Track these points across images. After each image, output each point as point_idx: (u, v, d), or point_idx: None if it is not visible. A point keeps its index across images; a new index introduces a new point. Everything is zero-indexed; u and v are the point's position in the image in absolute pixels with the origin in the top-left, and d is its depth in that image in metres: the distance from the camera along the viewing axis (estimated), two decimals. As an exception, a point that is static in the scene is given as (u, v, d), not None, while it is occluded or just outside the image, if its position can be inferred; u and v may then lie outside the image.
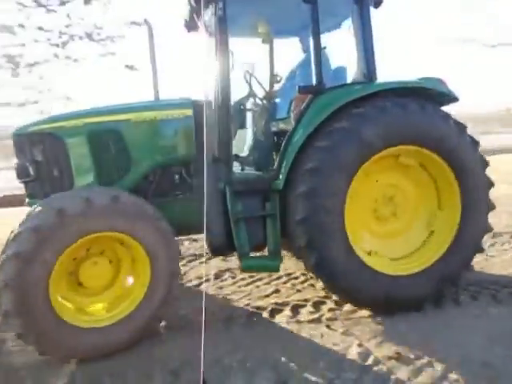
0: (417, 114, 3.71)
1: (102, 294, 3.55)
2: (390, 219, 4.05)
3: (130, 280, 3.54)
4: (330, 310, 3.98)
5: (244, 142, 4.67)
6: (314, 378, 2.89)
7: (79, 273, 3.40)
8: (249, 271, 4.50)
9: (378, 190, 4.01)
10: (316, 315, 3.88)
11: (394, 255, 4.04)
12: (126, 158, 3.99)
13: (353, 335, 3.47)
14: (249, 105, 4.65)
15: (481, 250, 4.05)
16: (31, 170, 3.96)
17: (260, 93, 4.62)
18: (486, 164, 3.96)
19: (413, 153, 3.83)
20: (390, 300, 3.74)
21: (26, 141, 3.99)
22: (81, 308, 3.47)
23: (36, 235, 3.04)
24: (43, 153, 3.95)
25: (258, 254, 4.16)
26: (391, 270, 3.86)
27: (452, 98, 4.13)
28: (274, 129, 4.54)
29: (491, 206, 4.02)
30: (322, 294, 4.29)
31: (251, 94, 4.56)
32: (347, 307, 3.97)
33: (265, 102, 4.61)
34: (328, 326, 3.65)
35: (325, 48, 4.39)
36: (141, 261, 3.44)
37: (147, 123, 4.00)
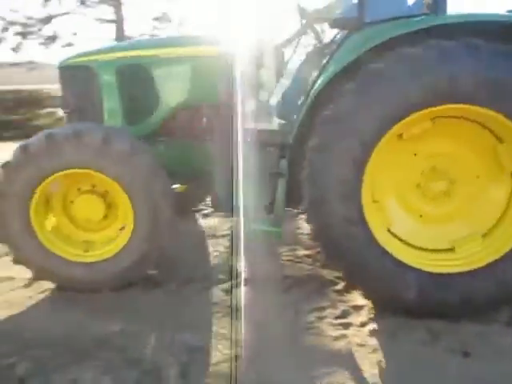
0: (496, 64, 2.67)
1: (94, 231, 3.64)
2: (439, 198, 3.12)
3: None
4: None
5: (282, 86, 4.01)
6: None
7: (73, 207, 3.54)
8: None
9: (423, 160, 3.09)
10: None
11: (437, 245, 3.12)
12: (153, 96, 3.87)
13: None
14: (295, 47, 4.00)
15: None
16: (71, 102, 4.09)
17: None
18: None
19: (476, 114, 2.85)
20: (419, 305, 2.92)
21: (67, 73, 4.11)
22: (73, 241, 3.59)
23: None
24: (80, 85, 4.04)
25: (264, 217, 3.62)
26: (427, 264, 3.00)
27: None
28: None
29: None
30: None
31: (301, 33, 3.89)
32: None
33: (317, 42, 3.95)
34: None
35: None
36: (122, 198, 3.38)
37: (174, 60, 3.83)
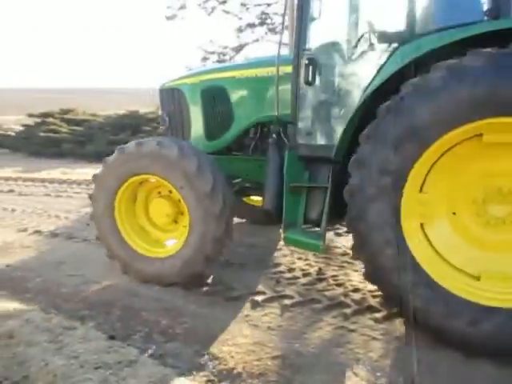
0: None
1: (165, 230, 4.14)
2: (501, 224, 2.83)
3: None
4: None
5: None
6: None
7: (149, 209, 4.10)
8: (289, 244, 3.94)
9: (480, 182, 2.83)
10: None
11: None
12: (229, 114, 4.38)
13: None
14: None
15: None
16: (167, 119, 4.79)
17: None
18: None
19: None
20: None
21: (164, 95, 4.86)
22: (151, 239, 4.14)
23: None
24: (173, 105, 4.75)
25: (308, 228, 3.71)
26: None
27: None
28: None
29: None
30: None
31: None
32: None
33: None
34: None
35: None
36: (180, 202, 3.81)
37: (248, 80, 4.23)
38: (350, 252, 3.32)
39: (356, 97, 3.33)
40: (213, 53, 17.72)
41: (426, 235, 2.94)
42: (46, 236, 5.68)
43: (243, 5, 16.85)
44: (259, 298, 3.69)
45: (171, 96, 4.76)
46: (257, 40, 17.50)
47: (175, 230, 4.08)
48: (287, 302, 3.63)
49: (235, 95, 4.33)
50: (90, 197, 4.13)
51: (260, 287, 3.91)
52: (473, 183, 2.86)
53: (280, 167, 3.72)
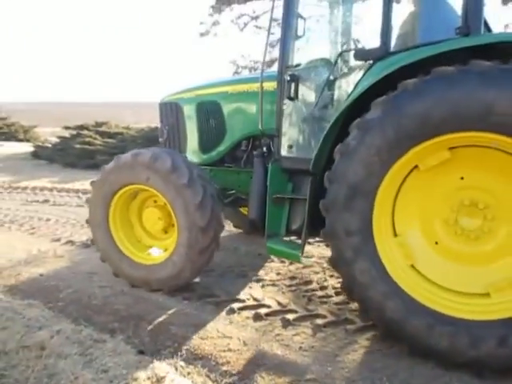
0: (480, 87, 2.47)
1: (157, 238, 4.31)
2: (475, 236, 2.88)
3: None
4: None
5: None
6: None
7: (142, 217, 4.24)
8: (271, 254, 3.99)
9: (444, 204, 2.93)
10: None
11: (471, 289, 2.88)
12: (221, 127, 4.52)
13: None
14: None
15: None
16: (164, 132, 4.96)
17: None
18: None
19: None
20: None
21: (163, 108, 5.04)
22: (142, 246, 4.31)
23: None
24: (171, 118, 4.93)
25: (290, 238, 3.87)
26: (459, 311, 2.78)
27: None
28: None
29: None
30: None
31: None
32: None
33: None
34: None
35: None
36: (169, 211, 3.89)
37: (239, 95, 4.36)
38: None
39: (334, 111, 3.44)
40: (245, 67, 17.90)
41: (419, 273, 2.99)
42: (78, 246, 5.76)
43: (275, 20, 16.97)
44: (291, 316, 3.59)
45: (169, 109, 4.95)
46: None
47: (166, 238, 4.22)
48: (319, 321, 3.52)
49: (228, 109, 4.47)
50: (87, 201, 4.34)
51: (292, 305, 3.81)
52: (438, 207, 2.95)
53: (264, 179, 3.81)
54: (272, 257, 4.97)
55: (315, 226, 3.28)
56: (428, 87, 2.62)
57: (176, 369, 2.87)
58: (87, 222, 4.34)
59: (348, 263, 2.97)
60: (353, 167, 2.87)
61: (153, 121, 17.37)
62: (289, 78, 3.63)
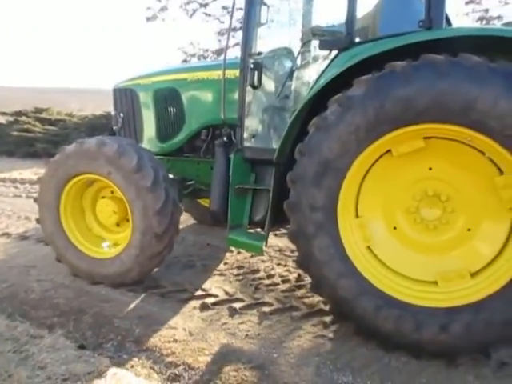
0: (467, 82, 2.47)
1: (112, 231, 4.13)
2: (433, 226, 2.94)
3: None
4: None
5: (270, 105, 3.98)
6: None
7: (96, 207, 4.05)
8: (232, 246, 3.99)
9: (406, 192, 2.97)
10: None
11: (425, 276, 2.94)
12: (180, 116, 4.36)
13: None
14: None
15: None
16: (119, 120, 4.72)
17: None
18: None
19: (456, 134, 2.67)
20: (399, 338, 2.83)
21: (117, 95, 4.80)
22: (90, 235, 4.11)
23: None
24: (126, 105, 4.71)
25: (252, 230, 3.76)
26: (408, 295, 2.86)
27: None
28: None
29: None
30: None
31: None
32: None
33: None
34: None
35: None
36: (126, 207, 3.74)
37: (199, 82, 4.22)
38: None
39: (298, 102, 3.38)
40: (193, 55, 17.58)
41: (374, 255, 3.03)
42: (14, 239, 5.44)
43: (224, 8, 16.77)
44: (237, 305, 3.59)
45: (124, 96, 4.72)
46: (237, 44, 17.46)
47: (119, 232, 4.06)
48: (266, 309, 3.54)
49: (187, 97, 4.32)
50: (35, 200, 4.07)
51: (238, 294, 3.82)
52: (402, 193, 2.97)
53: (226, 169, 3.71)
54: (219, 246, 4.94)
55: (279, 216, 3.25)
56: (416, 73, 2.58)
57: (119, 362, 2.79)
58: (35, 200, 4.08)
59: (308, 238, 2.94)
60: (328, 143, 2.80)
61: (97, 108, 16.72)
62: (252, 66, 3.55)
